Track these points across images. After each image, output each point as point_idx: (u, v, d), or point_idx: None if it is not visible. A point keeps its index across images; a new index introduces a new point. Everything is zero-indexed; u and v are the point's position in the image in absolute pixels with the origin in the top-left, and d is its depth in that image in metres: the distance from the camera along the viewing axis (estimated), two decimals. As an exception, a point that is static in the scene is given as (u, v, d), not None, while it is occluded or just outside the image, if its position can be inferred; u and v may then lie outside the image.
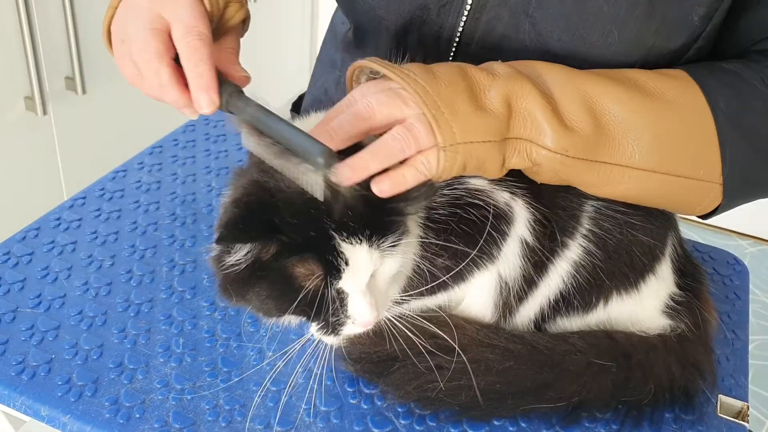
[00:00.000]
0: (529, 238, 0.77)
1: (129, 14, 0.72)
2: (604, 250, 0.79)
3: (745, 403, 0.85)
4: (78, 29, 1.77)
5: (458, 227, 0.75)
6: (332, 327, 0.72)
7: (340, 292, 0.69)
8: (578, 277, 0.80)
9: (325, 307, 0.69)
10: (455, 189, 0.76)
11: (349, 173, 0.63)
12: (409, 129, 0.65)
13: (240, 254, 0.68)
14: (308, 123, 0.76)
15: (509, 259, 0.78)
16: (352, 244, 0.66)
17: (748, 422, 0.83)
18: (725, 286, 1.03)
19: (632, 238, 0.80)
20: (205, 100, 0.66)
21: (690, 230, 2.65)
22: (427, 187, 0.70)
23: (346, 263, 0.66)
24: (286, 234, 0.65)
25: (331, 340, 0.76)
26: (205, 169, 1.13)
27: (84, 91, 1.85)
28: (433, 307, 0.83)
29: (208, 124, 1.26)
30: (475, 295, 0.81)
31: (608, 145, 0.70)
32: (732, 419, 0.83)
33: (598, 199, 0.78)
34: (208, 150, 1.19)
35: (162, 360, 0.82)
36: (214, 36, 0.72)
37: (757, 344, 2.25)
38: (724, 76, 0.74)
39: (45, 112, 1.77)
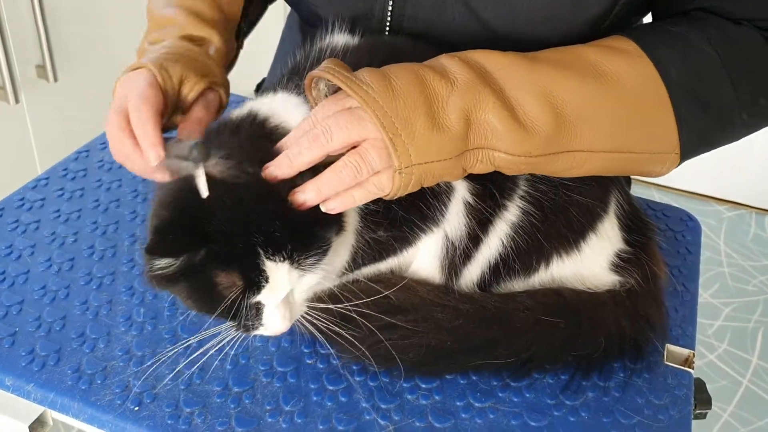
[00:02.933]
0: (471, 199, 0.79)
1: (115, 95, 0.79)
2: (541, 212, 0.81)
3: (692, 351, 0.88)
4: (47, 17, 1.78)
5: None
6: (245, 328, 0.74)
7: (257, 303, 0.72)
8: (517, 239, 0.82)
9: (241, 314, 0.72)
10: None
11: (304, 202, 0.68)
12: (362, 156, 0.67)
13: (168, 260, 0.69)
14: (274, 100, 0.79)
15: (453, 218, 0.80)
16: (275, 261, 0.68)
17: (693, 369, 0.86)
18: (677, 241, 1.06)
19: (568, 199, 0.82)
20: (152, 155, 0.70)
21: (666, 196, 2.68)
22: None
23: (266, 280, 0.69)
24: (217, 243, 0.68)
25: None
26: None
27: (56, 79, 1.86)
28: (385, 271, 0.85)
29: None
30: (424, 258, 0.83)
31: (569, 135, 0.71)
32: (678, 366, 0.86)
33: None
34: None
35: (123, 329, 0.84)
36: (182, 110, 0.79)
37: (735, 307, 2.29)
38: (672, 42, 0.76)
39: (17, 101, 1.78)
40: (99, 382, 0.78)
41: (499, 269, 0.84)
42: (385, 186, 0.69)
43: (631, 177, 1.08)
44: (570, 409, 0.79)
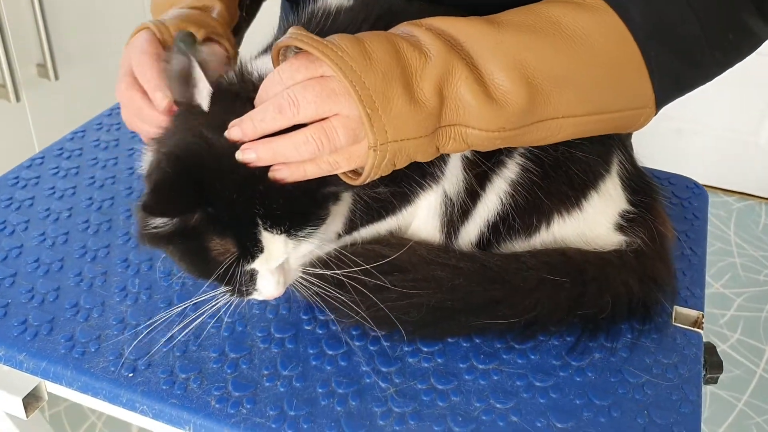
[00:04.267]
0: (469, 154, 0.78)
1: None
2: (541, 168, 0.79)
3: (701, 312, 0.85)
4: (47, 16, 1.78)
5: None
6: (239, 293, 0.73)
7: (251, 269, 0.70)
8: (517, 197, 0.80)
9: (235, 279, 0.70)
10: None
11: (251, 157, 0.64)
12: (328, 135, 0.63)
13: (164, 220, 0.67)
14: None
15: (452, 174, 0.78)
16: (272, 233, 0.67)
17: (702, 329, 0.84)
18: (684, 208, 1.03)
19: (569, 155, 0.80)
20: (159, 96, 0.74)
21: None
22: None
23: (262, 250, 0.68)
24: (215, 208, 0.65)
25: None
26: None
27: (57, 78, 1.86)
28: (385, 233, 0.84)
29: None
30: (423, 216, 0.82)
31: (543, 104, 0.68)
32: (687, 327, 0.83)
33: None
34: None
35: (118, 299, 0.83)
36: None
37: (747, 297, 2.26)
38: None
39: (18, 99, 1.78)
40: (93, 350, 0.77)
41: (499, 228, 0.82)
42: (341, 165, 0.64)
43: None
44: (576, 370, 0.77)
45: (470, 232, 0.82)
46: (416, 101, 0.63)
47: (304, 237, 0.69)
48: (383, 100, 0.62)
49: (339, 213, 0.77)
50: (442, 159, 0.77)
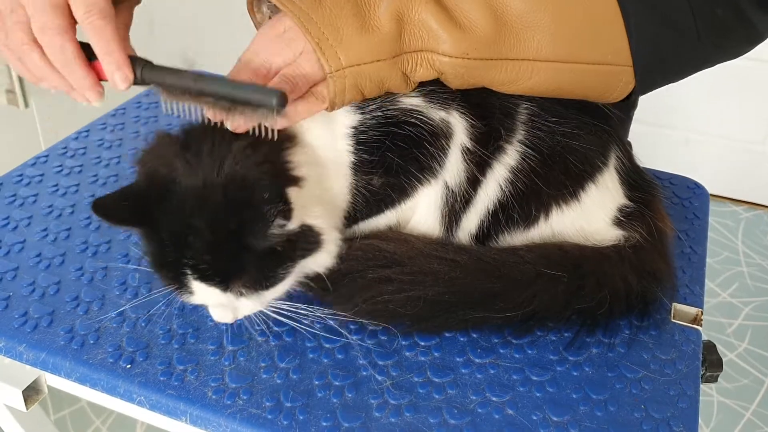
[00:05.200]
0: (469, 144, 0.78)
1: None
2: (540, 156, 0.80)
3: (700, 309, 0.85)
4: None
5: (393, 144, 0.77)
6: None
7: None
8: (517, 184, 0.80)
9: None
10: (387, 110, 0.76)
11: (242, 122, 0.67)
12: (294, 69, 0.67)
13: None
14: None
15: (453, 166, 0.79)
16: (205, 284, 0.69)
17: (701, 326, 0.83)
18: (685, 207, 1.03)
19: (565, 145, 0.80)
20: (119, 76, 0.66)
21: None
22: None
23: (193, 293, 0.70)
24: (154, 238, 0.68)
25: None
26: (167, 126, 1.15)
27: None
28: (383, 227, 0.84)
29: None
30: (424, 209, 0.82)
31: (511, 41, 0.69)
32: (686, 324, 0.83)
33: (531, 101, 0.79)
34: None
35: (118, 293, 0.83)
36: None
37: (755, 306, 2.24)
38: None
39: (27, 105, 1.80)
40: (92, 342, 0.77)
41: (499, 217, 0.82)
42: (324, 93, 0.68)
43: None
44: (573, 364, 0.77)
45: (471, 222, 0.82)
46: (368, 27, 0.67)
47: (251, 295, 0.71)
48: (332, 30, 0.66)
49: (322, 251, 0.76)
50: (441, 151, 0.78)
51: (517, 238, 0.84)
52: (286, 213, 0.68)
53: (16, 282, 0.84)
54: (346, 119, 0.76)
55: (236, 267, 0.68)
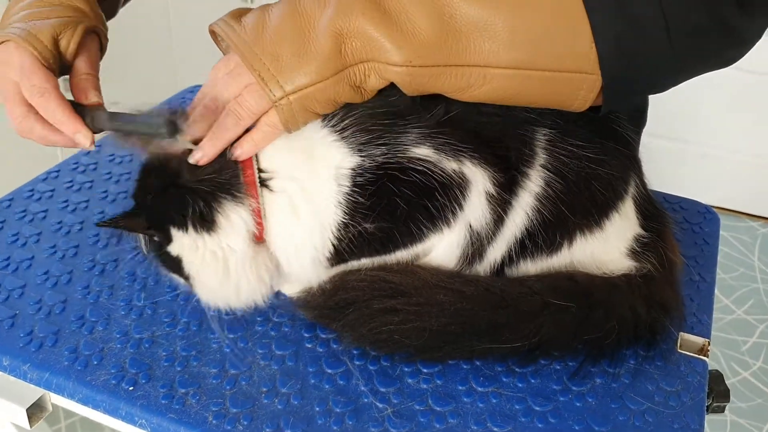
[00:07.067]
0: (492, 190, 0.77)
1: None
2: (564, 182, 0.78)
3: (707, 340, 0.84)
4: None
5: (398, 190, 0.75)
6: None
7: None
8: (542, 211, 0.79)
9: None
10: (394, 156, 0.74)
11: (201, 157, 0.73)
12: (239, 103, 0.71)
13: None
14: None
15: (475, 209, 0.77)
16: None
17: (708, 357, 0.83)
18: (695, 233, 1.02)
19: (590, 171, 0.78)
20: (80, 138, 0.74)
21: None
22: None
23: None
24: None
25: None
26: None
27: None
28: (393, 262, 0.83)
29: (184, 101, 1.29)
30: (442, 251, 0.80)
31: (459, 46, 0.67)
32: (692, 354, 0.82)
33: (549, 128, 0.77)
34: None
35: (123, 313, 0.84)
36: (64, 70, 0.78)
37: (769, 324, 2.22)
38: None
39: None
40: (95, 362, 0.77)
41: (525, 244, 0.80)
42: (276, 122, 0.71)
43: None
44: (576, 395, 0.77)
45: (497, 252, 0.81)
46: (307, 51, 0.68)
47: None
48: (272, 59, 0.68)
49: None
50: (454, 202, 0.76)
51: (538, 265, 0.83)
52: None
53: (23, 300, 0.85)
54: (345, 161, 0.75)
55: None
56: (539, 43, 0.67)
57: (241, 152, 0.73)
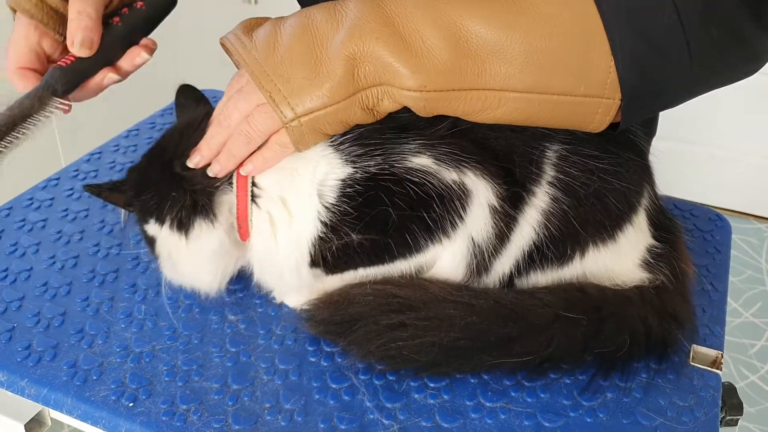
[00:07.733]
0: (496, 203, 0.75)
1: None
2: (573, 197, 0.76)
3: (720, 352, 0.82)
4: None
5: (390, 201, 0.73)
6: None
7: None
8: (550, 226, 0.77)
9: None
10: (390, 166, 0.73)
11: (219, 170, 0.74)
12: (249, 123, 0.71)
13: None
14: None
15: (477, 222, 0.76)
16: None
17: (721, 370, 0.81)
18: (706, 241, 1.00)
19: (604, 184, 0.77)
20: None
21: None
22: None
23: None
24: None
25: None
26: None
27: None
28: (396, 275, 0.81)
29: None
30: (447, 262, 0.79)
31: (474, 70, 0.65)
32: (705, 367, 0.80)
33: (561, 143, 0.76)
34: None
35: (123, 326, 0.82)
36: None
37: (779, 327, 2.20)
38: None
39: (47, 117, 1.80)
40: (95, 378, 0.76)
41: (534, 257, 0.79)
42: (287, 142, 0.70)
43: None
44: (587, 410, 0.75)
45: (504, 264, 0.80)
46: (319, 73, 0.67)
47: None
48: (283, 81, 0.67)
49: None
50: (453, 213, 0.75)
51: (548, 276, 0.81)
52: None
53: (21, 312, 0.83)
54: (333, 173, 0.74)
55: None
56: (555, 66, 0.65)
57: (252, 168, 0.74)
